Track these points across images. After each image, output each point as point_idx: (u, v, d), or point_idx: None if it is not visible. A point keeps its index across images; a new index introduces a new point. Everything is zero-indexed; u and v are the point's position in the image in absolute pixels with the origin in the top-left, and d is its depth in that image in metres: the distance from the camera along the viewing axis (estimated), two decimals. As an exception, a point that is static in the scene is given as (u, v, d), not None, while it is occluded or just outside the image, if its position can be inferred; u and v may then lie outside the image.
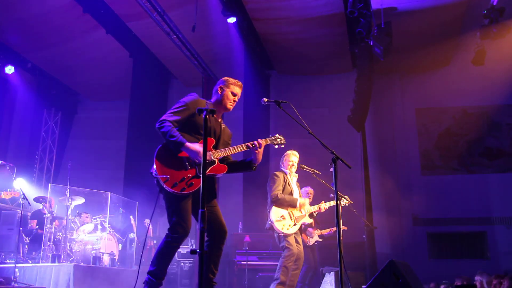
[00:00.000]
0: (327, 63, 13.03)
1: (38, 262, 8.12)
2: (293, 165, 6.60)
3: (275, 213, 6.24)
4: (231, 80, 4.54)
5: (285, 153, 6.69)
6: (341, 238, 4.15)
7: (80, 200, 9.31)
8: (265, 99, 4.67)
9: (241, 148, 4.38)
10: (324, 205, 6.67)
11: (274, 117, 13.20)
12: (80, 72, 12.96)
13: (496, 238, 12.17)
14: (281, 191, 6.33)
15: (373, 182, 11.94)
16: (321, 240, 8.50)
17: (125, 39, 11.70)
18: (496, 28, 9.54)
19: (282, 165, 6.68)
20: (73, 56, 11.97)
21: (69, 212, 8.83)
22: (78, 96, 14.85)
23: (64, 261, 8.18)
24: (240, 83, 4.58)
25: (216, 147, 4.33)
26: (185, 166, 4.07)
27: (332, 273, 6.99)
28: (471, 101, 13.07)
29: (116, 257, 9.19)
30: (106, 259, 8.73)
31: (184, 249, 10.45)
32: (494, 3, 9.41)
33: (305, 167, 6.54)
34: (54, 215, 9.11)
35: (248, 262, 9.05)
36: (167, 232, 4.05)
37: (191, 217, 4.12)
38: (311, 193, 8.23)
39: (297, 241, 6.34)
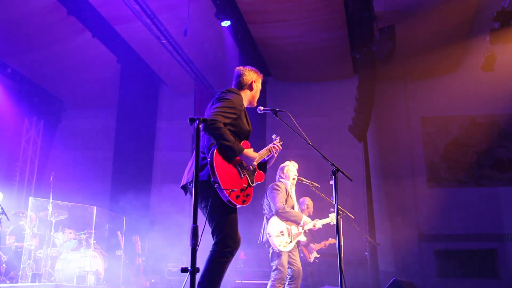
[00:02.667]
0: (326, 69, 13.08)
1: (17, 282, 8.07)
2: (295, 177, 6.61)
3: (275, 228, 6.23)
4: (259, 73, 4.52)
5: (285, 164, 6.67)
6: (342, 254, 4.15)
7: (63, 215, 9.28)
8: (261, 108, 4.69)
9: (268, 151, 4.48)
10: (319, 224, 6.66)
11: (270, 126, 13.21)
12: (64, 78, 12.95)
13: (508, 256, 12.16)
14: (284, 202, 6.34)
15: (376, 196, 11.96)
16: (318, 256, 8.51)
17: (112, 43, 11.73)
18: (507, 32, 9.60)
19: (283, 177, 6.65)
20: (56, 61, 11.97)
21: (51, 227, 8.79)
22: (62, 103, 14.83)
23: (45, 280, 8.13)
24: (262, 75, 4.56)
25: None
26: (240, 174, 4.02)
27: (333, 292, 7.00)
28: (480, 109, 13.10)
29: (102, 276, 9.15)
30: (91, 279, 8.69)
31: (175, 267, 10.42)
32: (505, 5, 9.47)
33: (304, 179, 6.55)
34: (35, 231, 9.07)
35: (243, 281, 9.04)
36: (216, 247, 3.90)
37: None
38: (309, 205, 8.23)
39: (294, 259, 6.32)
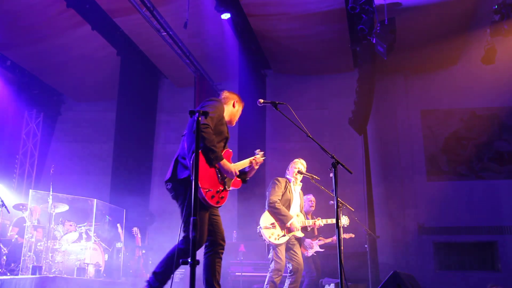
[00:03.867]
0: (326, 62, 13.06)
1: (17, 274, 8.09)
2: (299, 172, 6.60)
3: (266, 219, 6.27)
4: (240, 99, 4.88)
5: (294, 161, 6.72)
6: (342, 247, 4.17)
7: (63, 207, 9.30)
8: (261, 100, 4.71)
9: (248, 162, 4.72)
10: (320, 222, 6.68)
11: (270, 119, 13.22)
12: (64, 70, 12.94)
13: (508, 249, 12.18)
14: (280, 197, 6.34)
15: (376, 189, 11.97)
16: (322, 250, 8.53)
17: (112, 36, 11.70)
18: (508, 24, 9.57)
19: (287, 172, 6.69)
20: (56, 54, 11.95)
21: (51, 220, 8.81)
22: (62, 96, 14.83)
23: (45, 272, 8.16)
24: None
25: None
26: (218, 178, 4.29)
27: (332, 285, 7.03)
28: (481, 102, 13.10)
29: (102, 268, 9.18)
30: (91, 271, 8.72)
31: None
32: (506, -3, 9.45)
33: (304, 172, 6.56)
34: (35, 223, 9.09)
35: (243, 274, 9.06)
36: (183, 241, 4.09)
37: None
38: (313, 201, 8.28)
39: (294, 254, 6.34)
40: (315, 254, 8.44)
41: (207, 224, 4.29)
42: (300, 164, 6.66)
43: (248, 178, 4.72)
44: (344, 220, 6.67)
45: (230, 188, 4.44)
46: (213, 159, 4.20)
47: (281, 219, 6.26)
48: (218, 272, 4.34)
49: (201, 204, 4.11)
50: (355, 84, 11.43)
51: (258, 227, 6.30)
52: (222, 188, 4.31)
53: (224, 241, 4.42)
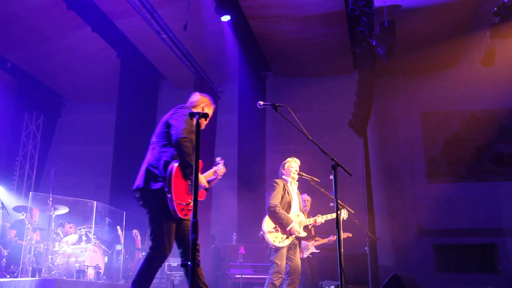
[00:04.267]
0: (326, 64, 13.07)
1: (17, 277, 8.09)
2: (296, 172, 6.59)
3: (268, 223, 6.25)
4: (211, 101, 4.97)
5: (286, 161, 6.68)
6: (342, 249, 4.16)
7: (63, 210, 9.28)
8: (261, 102, 4.71)
9: (213, 172, 4.82)
10: (321, 219, 6.66)
11: (270, 121, 13.23)
12: (64, 72, 12.96)
13: (508, 251, 12.18)
14: (279, 200, 6.33)
15: (376, 191, 11.97)
16: (318, 251, 8.50)
17: (112, 38, 11.72)
18: (507, 26, 9.58)
19: (284, 173, 6.64)
20: (56, 56, 11.97)
21: (51, 222, 8.80)
22: (62, 98, 14.84)
23: (45, 275, 8.15)
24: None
25: None
26: (189, 191, 4.35)
27: (333, 287, 7.01)
28: (481, 104, 13.12)
29: (102, 271, 9.16)
30: (91, 273, 8.70)
31: (175, 261, 10.44)
32: (505, 0, 9.45)
33: (304, 174, 6.54)
34: (35, 225, 9.08)
35: (242, 276, 9.05)
36: (150, 251, 4.23)
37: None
38: (308, 201, 8.27)
39: (292, 255, 6.33)
40: (310, 256, 8.41)
41: (178, 234, 4.39)
42: (295, 163, 6.63)
43: (208, 187, 4.73)
44: (343, 213, 6.63)
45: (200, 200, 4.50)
46: (189, 173, 4.25)
47: (282, 223, 6.25)
48: (201, 274, 4.45)
49: (170, 215, 4.21)
50: (355, 86, 11.43)
51: (261, 231, 6.28)
52: (191, 200, 4.31)
53: (168, 250, 4.40)
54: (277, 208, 6.23)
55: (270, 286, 6.11)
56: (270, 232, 6.18)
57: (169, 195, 4.12)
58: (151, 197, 4.29)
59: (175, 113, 4.57)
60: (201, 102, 4.87)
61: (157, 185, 4.23)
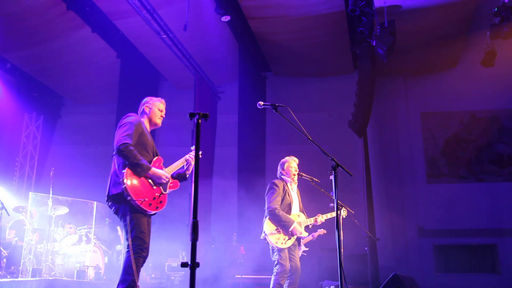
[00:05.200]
0: (326, 64, 13.07)
1: (17, 277, 8.09)
2: (296, 173, 6.58)
3: (269, 225, 6.24)
4: (155, 98, 5.21)
5: (285, 160, 6.64)
6: (342, 250, 4.17)
7: (63, 210, 9.30)
8: (261, 103, 4.72)
9: (182, 163, 5.05)
10: (321, 218, 6.64)
11: (270, 122, 13.22)
12: (64, 73, 12.95)
13: (508, 251, 12.18)
14: (279, 202, 6.31)
15: (376, 191, 11.97)
16: (307, 249, 8.45)
17: (112, 38, 11.70)
18: (507, 27, 9.59)
19: (284, 173, 6.61)
20: (56, 56, 11.96)
21: (51, 222, 8.81)
22: (62, 98, 14.84)
23: (45, 275, 8.16)
24: (163, 100, 5.26)
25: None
26: (152, 185, 4.62)
27: (332, 287, 7.01)
28: (481, 105, 13.12)
29: (102, 271, 9.18)
30: (91, 273, 8.72)
31: (174, 261, 10.44)
32: (506, 0, 9.46)
33: (304, 174, 6.53)
34: (35, 226, 9.09)
35: (243, 276, 9.06)
36: (128, 250, 4.46)
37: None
38: None
39: (292, 255, 6.34)
40: (304, 254, 8.35)
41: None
42: (294, 163, 6.62)
43: (187, 175, 5.02)
44: (343, 212, 6.61)
45: (168, 191, 4.77)
46: (140, 172, 4.51)
47: (284, 225, 6.25)
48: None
49: (139, 213, 4.48)
50: (355, 86, 11.44)
51: (263, 234, 6.27)
52: (159, 193, 4.64)
53: (147, 253, 4.63)
54: (276, 210, 6.22)
55: (276, 287, 6.11)
56: (272, 234, 6.18)
57: (128, 197, 4.39)
58: (115, 203, 4.56)
59: (121, 120, 4.85)
60: (143, 104, 5.15)
61: (118, 189, 4.47)
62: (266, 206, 6.37)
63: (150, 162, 4.71)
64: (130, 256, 4.43)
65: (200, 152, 5.11)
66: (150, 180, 4.60)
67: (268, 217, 6.30)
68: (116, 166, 4.63)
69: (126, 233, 4.48)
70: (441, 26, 11.09)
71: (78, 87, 13.94)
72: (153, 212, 4.57)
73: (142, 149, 4.71)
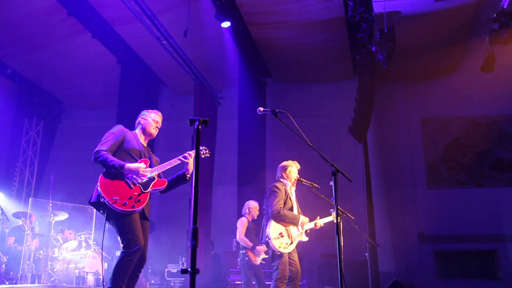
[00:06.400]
0: (326, 70, 13.09)
1: (16, 283, 8.07)
2: (297, 178, 6.59)
3: (274, 230, 6.22)
4: (151, 110, 5.33)
5: (286, 164, 6.62)
6: (342, 255, 4.16)
7: (63, 216, 9.29)
8: (261, 108, 4.73)
9: (175, 162, 4.99)
10: (320, 223, 6.63)
11: (270, 127, 13.23)
12: (64, 79, 12.96)
13: (509, 257, 12.16)
14: (282, 205, 6.31)
15: (376, 197, 11.96)
16: (267, 256, 8.41)
17: (112, 44, 11.72)
18: (507, 32, 9.61)
19: (285, 177, 6.60)
20: (56, 62, 11.98)
21: (51, 228, 8.79)
22: (62, 104, 14.85)
23: (44, 281, 8.14)
24: (159, 112, 5.38)
25: (150, 165, 4.95)
26: (129, 185, 4.64)
27: (333, 293, 6.98)
28: (480, 110, 13.12)
29: (102, 277, 9.14)
30: (90, 279, 8.69)
31: (174, 267, 10.42)
32: (505, 6, 9.48)
33: (304, 180, 6.52)
34: (35, 231, 9.07)
35: (243, 282, 9.02)
36: (122, 249, 4.53)
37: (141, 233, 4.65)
38: (253, 208, 8.36)
39: (293, 260, 6.32)
40: (263, 262, 8.32)
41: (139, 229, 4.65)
42: (295, 168, 6.62)
43: (188, 177, 4.98)
44: (334, 216, 6.61)
45: (150, 190, 4.76)
46: (115, 171, 4.59)
47: (292, 222, 6.28)
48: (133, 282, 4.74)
49: (122, 214, 4.54)
50: (355, 92, 11.45)
51: (266, 238, 6.25)
52: (138, 193, 4.66)
53: (144, 260, 4.74)
54: (281, 211, 6.22)
55: None
56: (276, 238, 6.17)
57: (102, 199, 4.49)
58: (99, 207, 4.65)
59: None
60: (139, 116, 5.35)
61: (93, 199, 4.65)
62: (268, 209, 6.34)
63: None
64: (121, 259, 4.50)
65: (208, 151, 5.19)
66: (127, 180, 4.64)
67: (272, 220, 6.27)
68: None
69: (120, 235, 4.57)
70: (440, 32, 11.11)
71: (79, 93, 13.95)
72: (129, 210, 4.54)
73: (125, 154, 4.80)
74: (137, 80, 12.86)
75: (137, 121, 5.27)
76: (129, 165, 4.63)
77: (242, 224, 8.22)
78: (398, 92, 13.65)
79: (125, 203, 4.53)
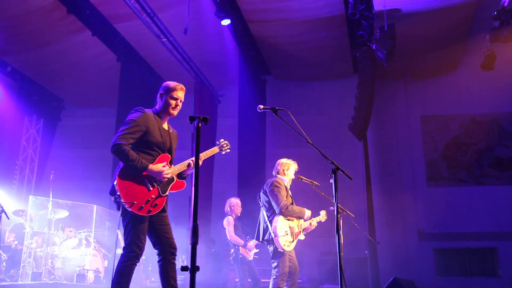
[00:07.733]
0: (326, 67, 13.08)
1: (17, 281, 8.08)
2: (294, 177, 6.61)
3: (281, 228, 6.21)
4: (171, 84, 4.89)
5: (284, 162, 6.62)
6: (342, 253, 4.16)
7: (63, 213, 9.28)
8: (261, 106, 4.72)
9: (186, 165, 4.70)
10: (314, 222, 6.65)
11: (270, 125, 13.23)
12: (64, 76, 12.95)
13: (508, 255, 12.16)
14: (285, 199, 6.33)
15: (376, 194, 11.96)
16: (257, 250, 8.45)
17: (112, 42, 11.71)
18: (507, 30, 9.59)
19: (283, 174, 6.59)
20: (56, 60, 11.96)
21: (51, 226, 8.79)
22: (62, 102, 14.84)
23: (45, 279, 8.14)
24: (180, 85, 4.93)
25: (171, 161, 4.63)
26: (148, 187, 4.34)
27: (333, 291, 6.99)
28: (480, 108, 13.12)
29: (102, 274, 9.16)
30: (90, 277, 8.69)
31: (174, 266, 10.42)
32: (505, 4, 9.47)
33: (304, 178, 6.52)
34: (35, 229, 9.07)
35: (239, 279, 9.02)
36: (123, 251, 4.41)
37: (147, 237, 4.47)
38: (235, 205, 8.46)
39: (290, 256, 6.34)
40: (256, 256, 8.36)
41: (151, 233, 4.50)
42: (294, 169, 6.63)
43: (186, 175, 4.78)
44: (322, 216, 6.64)
45: (167, 193, 4.48)
46: (138, 172, 4.29)
47: (299, 216, 6.37)
48: (173, 277, 4.58)
49: (134, 215, 4.28)
50: (355, 89, 11.44)
51: (271, 235, 6.24)
52: (156, 196, 4.36)
53: (173, 247, 4.55)
54: (290, 206, 6.25)
55: None
56: (282, 236, 6.18)
57: (118, 199, 4.26)
58: (117, 202, 4.38)
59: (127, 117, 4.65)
60: (159, 93, 4.94)
61: (111, 190, 4.39)
62: (273, 205, 6.33)
63: (153, 162, 4.43)
64: (122, 263, 4.41)
65: (229, 146, 5.17)
66: (147, 181, 4.33)
67: (280, 216, 6.26)
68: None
69: (124, 233, 4.39)
70: (441, 30, 11.10)
71: (78, 91, 13.94)
72: (144, 215, 4.30)
73: (145, 148, 4.45)
74: (137, 78, 12.84)
75: (158, 95, 4.93)
76: (152, 167, 4.32)
77: (229, 223, 8.26)
78: (398, 90, 13.65)
79: (142, 207, 4.24)
